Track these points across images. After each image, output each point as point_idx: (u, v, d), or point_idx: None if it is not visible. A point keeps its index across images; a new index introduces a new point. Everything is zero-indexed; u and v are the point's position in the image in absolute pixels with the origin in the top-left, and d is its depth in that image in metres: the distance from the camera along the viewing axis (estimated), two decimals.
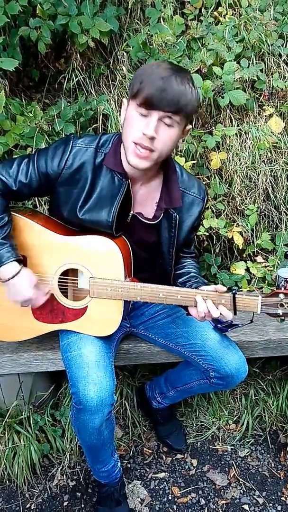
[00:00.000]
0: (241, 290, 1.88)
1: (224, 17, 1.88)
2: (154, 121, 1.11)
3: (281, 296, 1.18)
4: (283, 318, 1.20)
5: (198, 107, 1.22)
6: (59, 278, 1.32)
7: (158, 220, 1.31)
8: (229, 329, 1.33)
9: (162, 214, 1.31)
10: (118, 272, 1.26)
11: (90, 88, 1.89)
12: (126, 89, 1.85)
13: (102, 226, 1.28)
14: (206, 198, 1.39)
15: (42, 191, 1.32)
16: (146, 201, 1.33)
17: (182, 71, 1.15)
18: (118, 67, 1.89)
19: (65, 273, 1.33)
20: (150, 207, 1.33)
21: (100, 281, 1.24)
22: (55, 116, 1.76)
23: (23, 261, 1.30)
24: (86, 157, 1.25)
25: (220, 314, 1.20)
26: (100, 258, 1.27)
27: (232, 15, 1.89)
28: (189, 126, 1.24)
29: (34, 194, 1.36)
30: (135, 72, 1.20)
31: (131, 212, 1.31)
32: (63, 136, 1.76)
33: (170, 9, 1.85)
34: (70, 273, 1.35)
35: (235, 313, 1.22)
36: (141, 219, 1.32)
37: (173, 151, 1.42)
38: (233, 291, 1.20)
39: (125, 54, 1.86)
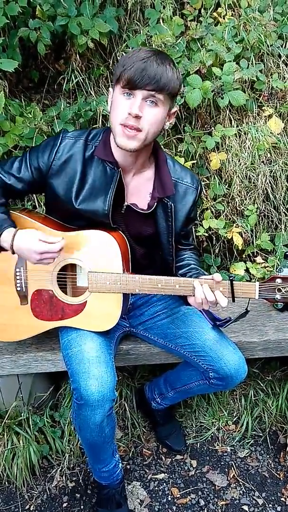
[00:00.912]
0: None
1: (224, 18, 1.88)
2: (138, 100, 1.15)
3: (279, 280, 1.19)
4: (282, 305, 1.21)
5: (180, 86, 1.25)
6: (58, 274, 1.32)
7: (152, 209, 1.33)
8: (227, 325, 1.33)
9: (155, 203, 1.33)
10: (116, 265, 1.27)
11: (89, 89, 1.89)
12: None
13: (98, 215, 1.30)
14: (200, 187, 1.41)
15: (35, 185, 1.35)
16: (140, 192, 1.35)
17: (162, 53, 1.20)
18: None
19: (64, 269, 1.33)
20: (144, 198, 1.35)
21: (99, 274, 1.25)
22: (55, 117, 1.76)
23: (20, 264, 1.32)
24: (76, 149, 1.29)
25: (217, 300, 1.20)
26: (98, 252, 1.28)
27: (232, 15, 1.89)
28: (175, 109, 1.28)
29: (28, 189, 1.37)
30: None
31: (125, 203, 1.33)
32: None
33: (170, 10, 1.85)
34: (69, 268, 1.35)
35: (233, 300, 1.23)
36: (136, 209, 1.33)
37: (162, 135, 1.40)
38: (231, 278, 1.22)
39: (124, 55, 1.85)
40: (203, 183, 1.88)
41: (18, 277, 1.35)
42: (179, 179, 1.37)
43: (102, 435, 1.30)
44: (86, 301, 1.32)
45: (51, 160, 1.28)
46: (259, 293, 1.21)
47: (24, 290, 1.36)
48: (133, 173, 1.33)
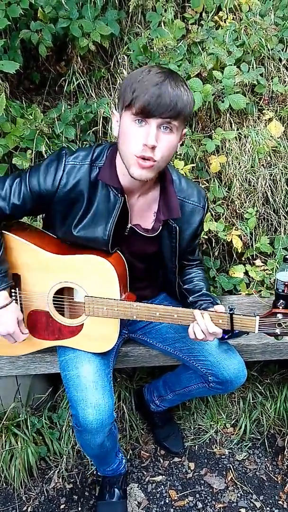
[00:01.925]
0: (240, 293, 1.88)
1: (225, 22, 1.88)
2: (153, 129, 1.07)
3: (279, 316, 1.16)
4: (281, 336, 1.20)
5: (194, 110, 1.19)
6: (54, 296, 1.31)
7: (157, 233, 1.29)
8: (226, 336, 1.32)
9: (160, 227, 1.28)
10: (113, 291, 1.24)
11: (90, 91, 1.89)
12: None
13: (97, 243, 1.25)
14: (206, 205, 1.35)
15: (36, 210, 1.30)
16: (144, 212, 1.30)
17: (174, 74, 1.11)
18: (118, 70, 1.89)
19: (61, 291, 1.31)
20: (148, 219, 1.30)
21: (96, 299, 1.23)
22: (56, 119, 1.76)
23: (14, 285, 1.30)
24: (81, 174, 1.20)
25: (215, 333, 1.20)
26: (95, 277, 1.24)
27: (233, 19, 1.90)
28: (186, 129, 1.22)
29: (29, 214, 1.33)
30: (124, 80, 1.14)
31: (129, 225, 1.28)
32: (63, 139, 1.76)
33: (171, 13, 1.85)
34: (66, 290, 1.33)
35: (232, 332, 1.22)
36: (140, 231, 1.28)
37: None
38: (231, 312, 1.19)
39: (125, 57, 1.86)
40: (202, 186, 1.89)
41: (13, 298, 1.32)
42: (185, 198, 1.30)
43: (104, 450, 1.33)
44: (83, 324, 1.30)
45: (56, 187, 1.20)
46: (259, 328, 1.18)
47: (20, 310, 1.33)
48: (138, 194, 1.27)
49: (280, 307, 1.18)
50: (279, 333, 1.18)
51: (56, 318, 1.32)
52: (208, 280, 1.52)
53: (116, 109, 1.18)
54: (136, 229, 1.28)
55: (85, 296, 1.25)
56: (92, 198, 1.23)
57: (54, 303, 1.31)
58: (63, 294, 1.33)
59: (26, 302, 1.33)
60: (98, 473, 1.58)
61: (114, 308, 1.22)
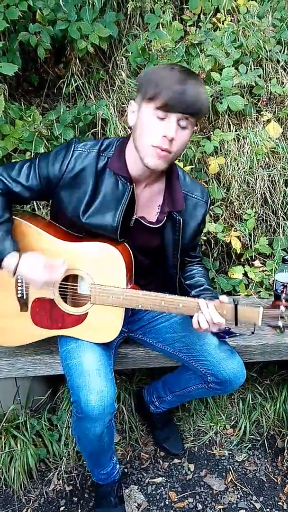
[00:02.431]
0: (239, 294, 1.88)
1: (223, 23, 1.89)
2: (173, 123, 1.13)
3: (283, 308, 1.18)
4: (282, 330, 1.21)
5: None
6: (60, 284, 1.32)
7: (161, 224, 1.32)
8: (227, 336, 1.33)
9: (165, 218, 1.31)
10: (120, 279, 1.25)
11: (89, 93, 1.90)
12: (125, 94, 1.86)
13: (106, 231, 1.27)
14: (209, 201, 1.39)
15: (42, 195, 1.32)
16: (149, 204, 1.33)
17: (195, 74, 1.19)
18: (117, 72, 1.90)
19: (65, 278, 1.32)
20: (153, 211, 1.33)
21: (102, 288, 1.24)
22: (54, 121, 1.77)
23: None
24: (88, 161, 1.25)
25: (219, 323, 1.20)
26: (102, 265, 1.26)
27: (231, 21, 1.91)
28: (196, 127, 1.27)
29: (35, 197, 1.36)
30: (145, 74, 1.19)
31: (134, 217, 1.31)
32: (62, 140, 1.77)
33: (169, 15, 1.86)
34: (70, 278, 1.34)
35: (236, 324, 1.22)
36: (144, 223, 1.32)
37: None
38: (235, 303, 1.20)
39: (124, 59, 1.87)
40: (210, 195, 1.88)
41: (19, 284, 1.34)
42: (189, 192, 1.35)
43: (101, 445, 1.31)
44: (87, 312, 1.31)
45: (63, 172, 1.24)
46: (262, 320, 1.20)
47: (24, 298, 1.35)
48: (144, 185, 1.31)
49: (283, 300, 1.20)
50: (281, 325, 1.20)
51: (61, 306, 1.32)
52: (209, 277, 1.53)
53: (134, 101, 1.21)
54: (141, 220, 1.31)
55: (92, 283, 1.25)
56: (99, 185, 1.26)
57: (59, 291, 1.32)
58: (67, 283, 1.34)
59: (32, 288, 1.33)
60: (93, 479, 1.54)
61: (120, 297, 1.23)
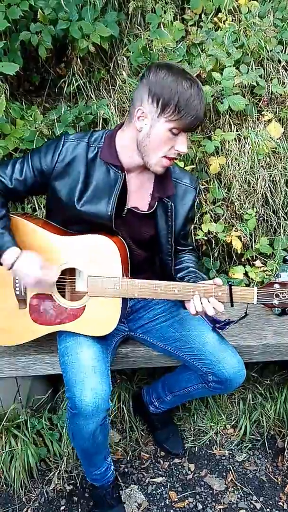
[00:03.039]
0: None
1: (224, 23, 1.89)
2: (186, 139, 1.23)
3: (277, 286, 1.21)
4: (279, 311, 1.22)
5: None
6: (57, 279, 1.32)
7: (153, 209, 1.35)
8: (227, 327, 1.33)
9: (156, 203, 1.34)
10: (116, 270, 1.27)
11: (90, 92, 1.90)
12: (126, 94, 1.85)
13: (101, 218, 1.30)
14: (198, 188, 1.44)
15: (37, 187, 1.35)
16: (140, 192, 1.36)
17: (199, 84, 1.22)
18: (118, 72, 1.90)
19: (63, 273, 1.33)
20: (145, 199, 1.36)
21: (98, 279, 1.25)
22: (55, 120, 1.76)
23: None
24: (78, 150, 1.29)
25: (214, 308, 1.22)
26: (98, 257, 1.28)
27: (232, 21, 1.90)
28: None
29: (30, 191, 1.38)
30: (164, 86, 1.17)
31: (127, 206, 1.34)
32: None
33: (170, 14, 1.86)
34: (68, 273, 1.35)
35: (232, 305, 1.24)
36: (137, 211, 1.34)
37: None
38: (230, 283, 1.24)
39: (125, 59, 1.87)
40: (202, 187, 1.89)
41: (17, 281, 1.35)
42: (178, 179, 1.40)
43: (95, 443, 1.31)
44: (85, 306, 1.32)
45: (54, 162, 1.29)
46: (257, 298, 1.22)
47: (23, 294, 1.36)
48: (135, 174, 1.34)
49: (278, 279, 1.22)
50: (277, 303, 1.22)
51: (59, 300, 1.33)
52: (199, 265, 1.54)
53: (144, 107, 1.21)
54: (133, 210, 1.34)
55: (88, 275, 1.26)
56: (91, 174, 1.30)
57: (57, 286, 1.32)
58: (65, 277, 1.35)
59: None
60: (88, 480, 1.54)
61: (116, 287, 1.25)
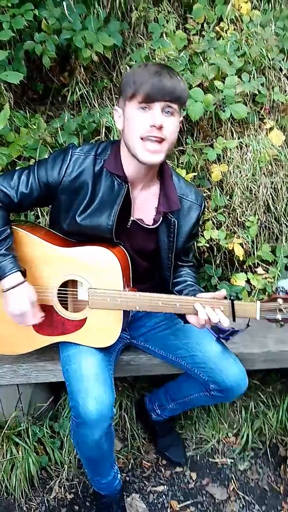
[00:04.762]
0: (241, 299, 1.88)
1: (226, 32, 1.91)
2: (158, 111, 1.17)
3: (280, 301, 1.17)
4: (282, 323, 1.20)
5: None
6: (59, 290, 1.32)
7: (157, 225, 1.33)
8: (231, 337, 1.33)
9: (161, 219, 1.33)
10: (116, 282, 1.26)
11: (93, 101, 1.91)
12: None
13: (102, 231, 1.29)
14: (203, 205, 1.41)
15: (43, 200, 1.34)
16: (146, 206, 1.35)
17: (168, 66, 1.25)
18: (121, 80, 1.91)
19: (65, 284, 1.33)
20: (149, 213, 1.35)
21: (99, 291, 1.25)
22: (59, 129, 1.78)
23: (24, 273, 1.30)
24: (86, 164, 1.28)
25: (219, 321, 1.20)
26: (99, 269, 1.27)
27: (234, 30, 1.92)
28: (181, 118, 1.30)
29: (36, 204, 1.38)
30: (123, 78, 1.26)
31: (131, 218, 1.33)
32: None
33: (173, 24, 1.87)
34: (70, 284, 1.35)
35: (234, 320, 1.22)
36: (142, 224, 1.33)
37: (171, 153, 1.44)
38: (231, 298, 1.21)
39: (128, 68, 1.88)
40: (204, 194, 1.90)
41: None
42: (184, 195, 1.38)
43: (100, 451, 1.30)
44: (86, 317, 1.32)
45: (62, 176, 1.27)
46: (260, 314, 1.19)
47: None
48: (140, 187, 1.34)
49: (280, 293, 1.18)
50: (280, 318, 1.18)
51: (60, 312, 1.33)
52: (198, 280, 1.53)
53: (118, 107, 1.27)
54: (138, 222, 1.33)
55: (89, 288, 1.26)
56: (97, 188, 1.29)
57: (58, 297, 1.33)
58: (67, 288, 1.35)
59: None
60: (93, 488, 1.53)
61: (117, 299, 1.24)
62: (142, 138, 1.18)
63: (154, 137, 1.17)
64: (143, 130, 1.18)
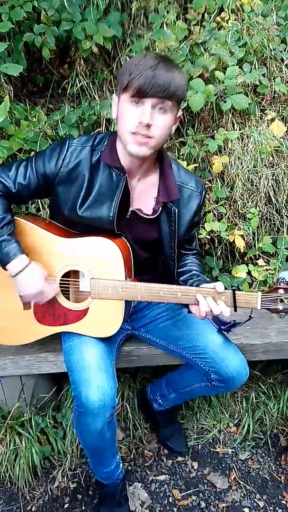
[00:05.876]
0: (242, 290, 1.88)
1: (227, 22, 1.89)
2: (148, 108, 1.15)
3: (281, 291, 1.18)
4: (283, 313, 1.20)
5: (186, 91, 1.28)
6: (61, 280, 1.33)
7: (157, 215, 1.33)
8: (232, 329, 1.33)
9: (160, 208, 1.33)
10: (118, 272, 1.27)
11: (93, 93, 1.91)
12: None
13: (103, 222, 1.30)
14: (204, 192, 1.40)
15: (41, 192, 1.34)
16: (145, 197, 1.35)
17: (168, 59, 1.20)
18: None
19: (67, 274, 1.34)
20: (149, 203, 1.35)
21: (101, 281, 1.26)
22: (59, 121, 1.78)
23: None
24: (82, 155, 1.28)
25: (221, 312, 1.20)
26: (101, 259, 1.28)
27: (235, 20, 1.90)
28: (180, 113, 1.28)
29: (34, 195, 1.38)
30: (122, 67, 1.24)
31: (131, 208, 1.33)
32: None
33: (173, 14, 1.86)
34: (72, 274, 1.36)
35: (235, 310, 1.22)
36: (141, 214, 1.33)
37: (168, 140, 1.42)
38: (233, 288, 1.21)
39: (128, 59, 1.87)
40: (205, 186, 1.89)
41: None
42: (184, 184, 1.37)
43: (103, 441, 1.31)
44: (88, 307, 1.33)
45: (59, 167, 1.28)
46: (262, 304, 1.20)
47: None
48: (138, 178, 1.34)
49: (281, 284, 1.19)
50: (281, 309, 1.19)
51: (63, 302, 1.34)
52: (202, 268, 1.52)
53: (116, 94, 1.26)
54: (137, 212, 1.33)
55: (91, 278, 1.27)
56: (94, 179, 1.29)
57: (60, 287, 1.33)
58: (69, 278, 1.35)
59: None
60: (96, 478, 1.54)
61: (119, 289, 1.24)
62: (132, 133, 1.18)
63: (141, 134, 1.17)
64: (132, 125, 1.17)
